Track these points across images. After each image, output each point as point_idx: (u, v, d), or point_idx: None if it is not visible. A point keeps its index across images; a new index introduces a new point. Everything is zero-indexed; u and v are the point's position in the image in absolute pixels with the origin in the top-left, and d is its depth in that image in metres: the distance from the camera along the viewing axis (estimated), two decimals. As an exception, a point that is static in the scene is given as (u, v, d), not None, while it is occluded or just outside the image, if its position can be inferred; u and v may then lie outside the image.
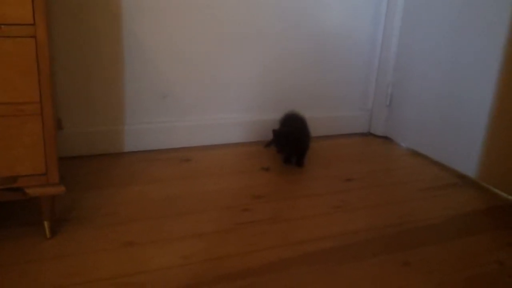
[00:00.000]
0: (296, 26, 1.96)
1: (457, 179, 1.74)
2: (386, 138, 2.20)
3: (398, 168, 1.84)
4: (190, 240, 1.21)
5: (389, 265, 1.16)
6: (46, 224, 1.16)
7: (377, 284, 1.08)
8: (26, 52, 1.02)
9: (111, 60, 1.70)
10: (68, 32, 1.61)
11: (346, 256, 1.18)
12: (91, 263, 1.09)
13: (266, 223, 1.33)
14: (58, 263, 1.08)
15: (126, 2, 1.65)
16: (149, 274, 1.06)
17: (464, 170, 1.76)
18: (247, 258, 1.15)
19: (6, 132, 1.04)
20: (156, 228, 1.26)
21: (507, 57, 1.56)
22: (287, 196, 1.52)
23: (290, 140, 1.69)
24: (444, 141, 1.85)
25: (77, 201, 1.38)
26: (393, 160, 1.93)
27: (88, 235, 1.20)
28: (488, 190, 1.65)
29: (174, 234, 1.23)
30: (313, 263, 1.14)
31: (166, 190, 1.50)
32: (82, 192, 1.44)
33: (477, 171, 1.71)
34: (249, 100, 1.98)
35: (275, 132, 1.71)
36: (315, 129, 1.84)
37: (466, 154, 1.74)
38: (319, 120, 2.08)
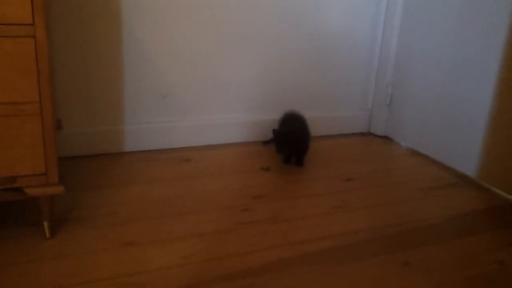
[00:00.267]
0: (296, 26, 1.96)
1: (457, 178, 1.74)
2: (386, 138, 2.20)
3: (398, 168, 1.84)
4: (190, 240, 1.21)
5: (389, 265, 1.16)
6: (45, 224, 1.16)
7: (377, 284, 1.08)
8: (25, 52, 1.01)
9: (111, 60, 1.70)
10: (67, 32, 1.61)
11: (346, 256, 1.18)
12: (91, 263, 1.09)
13: (266, 223, 1.33)
14: (58, 263, 1.08)
15: (126, 2, 1.65)
16: (149, 274, 1.06)
17: (464, 170, 1.76)
18: (247, 258, 1.15)
19: (5, 132, 1.04)
20: (156, 228, 1.26)
21: (507, 56, 1.56)
22: (287, 196, 1.51)
23: (289, 140, 1.69)
24: (444, 140, 1.85)
25: (77, 201, 1.38)
26: (393, 160, 1.93)
27: (88, 235, 1.20)
28: (488, 189, 1.65)
29: (174, 234, 1.23)
30: (313, 263, 1.14)
31: (166, 190, 1.50)
32: (81, 192, 1.44)
33: (477, 171, 1.71)
34: (249, 100, 1.98)
35: (275, 131, 1.71)
36: (315, 129, 1.84)
37: (466, 153, 1.74)
38: (319, 120, 2.08)
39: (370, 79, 2.21)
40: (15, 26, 0.99)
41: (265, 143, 1.85)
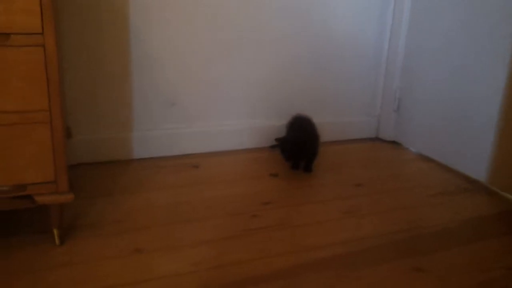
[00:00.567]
0: (303, 32, 1.96)
1: (467, 184, 1.72)
2: (394, 143, 2.19)
3: (407, 173, 1.83)
4: (199, 247, 1.21)
5: (399, 271, 1.15)
6: (55, 231, 1.17)
7: (387, 291, 1.07)
8: (35, 61, 1.02)
9: (119, 67, 1.70)
10: (77, 41, 1.62)
11: (356, 262, 1.18)
12: (100, 271, 1.09)
13: (275, 229, 1.32)
14: (68, 270, 1.08)
15: (134, 12, 1.66)
16: (158, 281, 1.06)
17: (474, 175, 1.75)
18: (256, 264, 1.14)
19: (16, 141, 1.05)
20: (165, 235, 1.26)
21: (516, 60, 1.56)
22: (296, 202, 1.51)
23: (298, 145, 1.68)
24: (453, 145, 1.84)
25: (86, 208, 1.38)
26: (402, 165, 1.92)
27: (97, 242, 1.21)
28: (498, 195, 1.64)
29: (183, 241, 1.23)
30: (323, 270, 1.14)
31: (174, 196, 1.50)
32: (90, 199, 1.44)
33: (487, 176, 1.69)
34: (256, 106, 1.98)
35: (279, 140, 1.71)
36: (323, 135, 1.83)
37: (475, 158, 1.73)
38: (327, 125, 2.08)
39: (377, 84, 2.21)
40: (25, 35, 1.00)
41: (272, 147, 1.84)
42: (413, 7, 2.01)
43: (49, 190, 1.11)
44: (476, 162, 1.73)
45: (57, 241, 1.17)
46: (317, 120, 1.83)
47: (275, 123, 1.99)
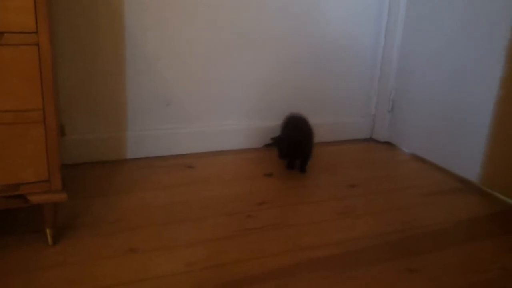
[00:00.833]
0: (298, 33, 1.96)
1: (460, 184, 1.73)
2: (388, 144, 2.19)
3: (401, 173, 1.84)
4: (194, 247, 1.21)
5: (393, 271, 1.15)
6: (48, 231, 1.16)
7: (381, 291, 1.08)
8: (29, 59, 1.02)
9: (114, 66, 1.70)
10: (71, 40, 1.62)
11: (350, 263, 1.18)
12: (94, 271, 1.08)
13: (269, 229, 1.32)
14: (61, 270, 1.08)
15: (129, 10, 1.66)
16: (153, 281, 1.06)
17: (467, 175, 1.76)
18: (251, 265, 1.14)
19: (9, 140, 1.04)
20: (160, 235, 1.26)
21: (509, 61, 1.56)
22: (290, 202, 1.51)
23: (292, 144, 1.68)
24: (447, 146, 1.85)
25: (80, 208, 1.37)
26: (396, 166, 1.93)
27: (91, 242, 1.20)
28: (491, 195, 1.64)
29: (178, 241, 1.23)
30: (317, 270, 1.14)
31: (169, 197, 1.50)
32: (85, 199, 1.44)
33: (480, 176, 1.70)
34: (252, 107, 1.98)
35: (275, 139, 1.71)
36: (317, 135, 1.84)
37: (469, 159, 1.74)
38: (322, 126, 2.08)
39: (372, 85, 2.21)
40: (19, 34, 1.00)
41: (267, 145, 1.84)
42: (408, 8, 2.02)
43: (42, 189, 1.11)
44: (470, 163, 1.73)
45: (50, 240, 1.16)
46: (312, 120, 1.83)
47: (270, 124, 1.99)
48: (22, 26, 1.00)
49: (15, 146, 1.05)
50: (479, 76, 1.68)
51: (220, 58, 1.86)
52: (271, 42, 1.93)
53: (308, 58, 2.02)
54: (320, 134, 2.00)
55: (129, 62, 1.71)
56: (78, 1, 1.59)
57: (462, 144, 1.77)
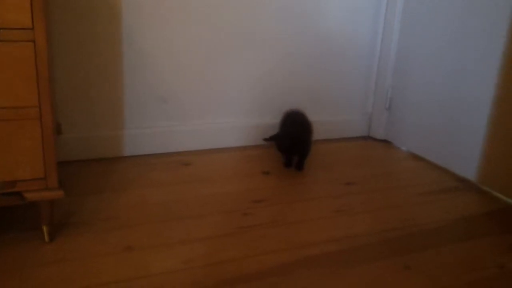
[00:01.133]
0: (296, 31, 1.96)
1: (458, 182, 1.73)
2: (385, 142, 2.19)
3: (398, 172, 1.84)
4: (191, 244, 1.21)
5: (390, 269, 1.15)
6: (45, 228, 1.16)
7: (378, 288, 1.08)
8: (24, 56, 1.01)
9: (111, 64, 1.69)
10: (67, 37, 1.61)
11: (347, 260, 1.18)
12: (91, 268, 1.08)
13: (266, 227, 1.32)
14: (58, 268, 1.07)
15: (126, 8, 1.65)
16: (150, 278, 1.06)
17: (465, 174, 1.76)
18: (248, 262, 1.14)
19: (4, 137, 1.04)
20: (157, 232, 1.26)
21: (506, 59, 1.56)
22: (287, 200, 1.51)
23: (292, 141, 1.68)
24: (444, 144, 1.85)
25: (77, 206, 1.37)
26: (393, 164, 1.93)
27: (88, 239, 1.20)
28: (489, 193, 1.65)
29: (175, 239, 1.23)
30: (314, 267, 1.14)
31: (166, 194, 1.49)
32: (81, 197, 1.43)
33: (477, 175, 1.70)
34: (249, 104, 1.97)
35: (273, 136, 1.71)
36: (315, 133, 1.83)
37: (466, 157, 1.74)
38: (319, 124, 2.08)
39: (370, 83, 2.21)
40: (14, 30, 0.99)
41: (266, 140, 1.83)
42: (405, 7, 2.01)
43: (38, 187, 1.10)
44: (467, 161, 1.74)
45: (46, 238, 1.16)
46: (310, 118, 1.83)
47: (267, 121, 1.98)
48: (18, 23, 0.99)
49: (11, 143, 1.05)
50: (477, 75, 1.68)
51: (217, 56, 1.85)
52: (268, 40, 1.92)
53: (306, 56, 2.02)
54: (318, 131, 2.00)
55: (126, 59, 1.71)
56: (76, 1, 1.59)
57: (459, 142, 1.77)
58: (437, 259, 1.21)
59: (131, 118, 1.78)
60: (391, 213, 1.46)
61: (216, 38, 1.83)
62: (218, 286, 1.04)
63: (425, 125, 1.94)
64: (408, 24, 2.01)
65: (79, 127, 1.71)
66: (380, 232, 1.33)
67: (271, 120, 1.96)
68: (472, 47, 1.70)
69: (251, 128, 1.99)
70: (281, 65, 1.99)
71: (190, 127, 1.89)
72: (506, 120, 1.58)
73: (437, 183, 1.72)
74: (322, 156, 1.93)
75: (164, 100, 1.81)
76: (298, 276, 1.10)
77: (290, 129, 1.73)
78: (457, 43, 1.76)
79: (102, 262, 1.11)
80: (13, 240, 1.17)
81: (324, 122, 2.15)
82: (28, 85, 1.03)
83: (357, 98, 2.22)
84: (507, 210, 1.53)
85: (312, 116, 1.88)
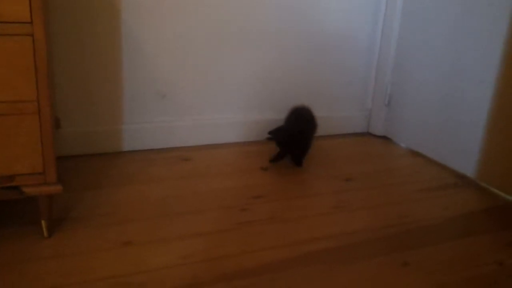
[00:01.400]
0: (295, 26, 1.96)
1: (457, 179, 1.73)
2: (385, 138, 2.19)
3: (397, 168, 1.84)
4: (189, 240, 1.21)
5: (388, 265, 1.15)
6: (43, 223, 1.16)
7: (376, 285, 1.08)
8: (23, 50, 1.01)
9: (110, 59, 1.69)
10: (66, 31, 1.60)
11: (345, 257, 1.18)
12: (89, 263, 1.08)
13: (265, 223, 1.32)
14: (56, 262, 1.07)
15: (125, 2, 1.65)
16: (148, 274, 1.06)
17: (463, 170, 1.76)
18: (246, 258, 1.14)
19: (3, 131, 1.04)
20: (155, 227, 1.25)
21: (506, 57, 1.56)
22: (286, 196, 1.51)
23: (288, 137, 1.68)
24: (443, 141, 1.85)
25: (75, 201, 1.37)
26: (392, 160, 1.93)
27: (86, 234, 1.20)
28: (488, 190, 1.65)
29: (173, 234, 1.23)
30: (312, 264, 1.14)
31: (164, 189, 1.49)
32: (80, 192, 1.43)
33: (476, 171, 1.70)
34: (248, 100, 1.97)
35: (273, 131, 1.70)
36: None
37: (465, 154, 1.74)
38: (318, 119, 2.07)
39: (369, 79, 2.21)
40: (13, 24, 0.99)
41: (270, 133, 1.82)
42: (405, 3, 2.01)
43: (37, 181, 1.10)
44: (466, 158, 1.74)
45: (45, 232, 1.16)
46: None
47: (267, 117, 1.98)
48: (16, 17, 0.98)
49: (9, 138, 1.04)
50: (477, 72, 1.68)
51: (216, 51, 1.85)
52: (268, 36, 1.92)
53: (305, 52, 2.02)
54: (318, 127, 1.99)
55: (125, 54, 1.70)
56: (74, -8, 1.58)
57: (459, 139, 1.77)
58: (436, 256, 1.21)
59: (131, 113, 1.78)
60: (390, 209, 1.46)
61: (215, 34, 1.82)
62: (216, 282, 1.04)
63: (424, 122, 1.94)
64: (408, 21, 2.00)
65: (78, 122, 1.71)
66: (379, 229, 1.33)
67: (271, 116, 1.96)
68: (472, 44, 1.69)
69: (250, 124, 1.99)
70: (280, 62, 1.98)
71: (190, 123, 1.88)
72: (506, 116, 1.58)
73: (436, 179, 1.72)
74: (321, 152, 1.93)
75: (163, 95, 1.81)
76: (297, 272, 1.10)
77: (290, 124, 1.73)
78: (457, 40, 1.76)
79: (101, 257, 1.11)
80: (11, 234, 1.17)
81: (324, 118, 2.14)
82: (27, 79, 1.03)
83: (356, 95, 2.21)
84: (506, 207, 1.53)
85: (314, 112, 1.88)
